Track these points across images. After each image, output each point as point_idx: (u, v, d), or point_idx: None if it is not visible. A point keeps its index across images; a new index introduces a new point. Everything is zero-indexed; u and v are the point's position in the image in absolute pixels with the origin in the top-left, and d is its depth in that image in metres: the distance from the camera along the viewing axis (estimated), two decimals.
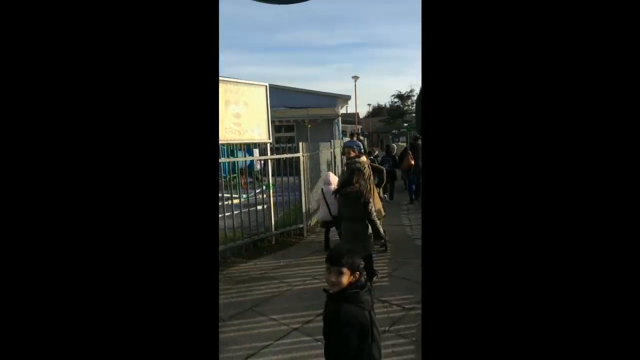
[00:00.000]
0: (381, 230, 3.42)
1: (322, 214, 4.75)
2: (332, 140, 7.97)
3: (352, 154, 4.15)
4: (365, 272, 3.63)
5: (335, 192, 3.62)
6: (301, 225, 5.42)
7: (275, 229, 5.11)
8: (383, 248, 4.50)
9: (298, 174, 5.40)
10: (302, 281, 3.73)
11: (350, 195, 3.30)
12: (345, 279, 1.47)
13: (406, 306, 3.12)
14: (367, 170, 3.93)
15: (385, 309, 3.07)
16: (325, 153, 7.06)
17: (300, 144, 5.45)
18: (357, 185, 3.26)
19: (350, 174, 3.38)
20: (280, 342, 2.63)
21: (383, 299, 3.25)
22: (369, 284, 1.58)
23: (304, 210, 5.45)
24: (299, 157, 5.36)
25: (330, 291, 1.52)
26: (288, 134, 13.81)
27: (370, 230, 3.31)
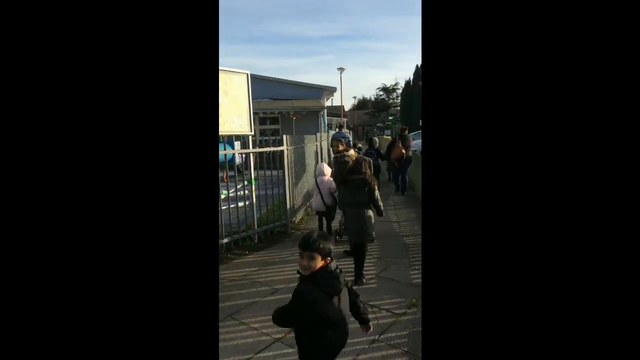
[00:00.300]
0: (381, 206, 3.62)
1: (316, 204, 4.89)
2: (317, 133, 7.72)
3: (341, 147, 4.03)
4: (355, 260, 3.57)
5: (342, 182, 3.68)
6: (286, 222, 5.18)
7: (258, 227, 4.85)
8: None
9: (282, 168, 5.14)
10: (287, 284, 3.50)
11: (355, 182, 3.46)
12: (317, 263, 1.55)
13: (396, 311, 2.94)
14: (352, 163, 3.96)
15: (375, 315, 2.88)
16: (310, 146, 6.81)
17: (284, 136, 5.18)
18: (364, 173, 3.45)
19: (356, 163, 3.56)
20: (261, 355, 2.40)
21: (371, 303, 3.06)
22: (339, 269, 1.63)
23: (288, 206, 5.20)
24: (282, 151, 5.10)
25: (303, 274, 1.59)
26: (273, 127, 13.49)
27: (372, 217, 3.50)
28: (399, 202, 7.09)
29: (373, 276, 3.66)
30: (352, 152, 4.04)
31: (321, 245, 1.54)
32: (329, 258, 1.59)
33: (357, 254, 3.50)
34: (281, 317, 1.61)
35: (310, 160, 6.75)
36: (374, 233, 3.55)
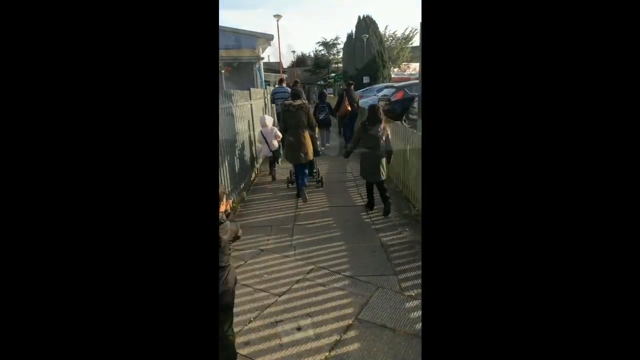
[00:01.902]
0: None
1: (264, 152, 5.47)
2: (251, 88, 5.89)
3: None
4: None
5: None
6: None
7: None
8: (320, 185, 5.02)
9: None
10: None
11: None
12: (222, 207, 1.77)
13: None
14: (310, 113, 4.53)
15: None
16: (243, 107, 5.01)
17: None
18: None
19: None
20: None
21: None
22: (225, 222, 1.71)
23: None
24: None
25: None
26: None
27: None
28: (359, 176, 5.65)
29: (351, 321, 2.24)
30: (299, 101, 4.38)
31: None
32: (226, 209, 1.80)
33: (379, 192, 3.98)
34: None
35: (243, 127, 5.01)
36: (383, 172, 3.90)
